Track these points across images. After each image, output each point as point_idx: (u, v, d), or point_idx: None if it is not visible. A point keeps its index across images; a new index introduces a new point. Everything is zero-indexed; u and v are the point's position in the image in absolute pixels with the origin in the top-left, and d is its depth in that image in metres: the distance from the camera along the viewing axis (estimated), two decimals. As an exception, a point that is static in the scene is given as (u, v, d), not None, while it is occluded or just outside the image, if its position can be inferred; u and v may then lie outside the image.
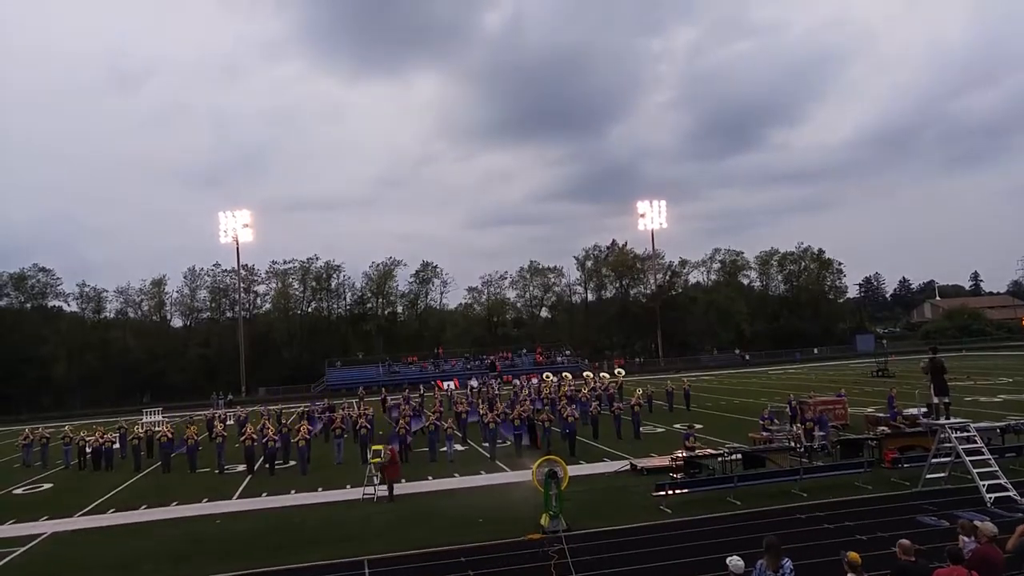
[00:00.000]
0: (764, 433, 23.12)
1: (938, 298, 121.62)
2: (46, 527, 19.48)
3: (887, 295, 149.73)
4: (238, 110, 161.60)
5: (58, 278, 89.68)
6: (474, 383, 51.41)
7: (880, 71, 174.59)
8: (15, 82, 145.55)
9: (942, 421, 17.14)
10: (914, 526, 13.99)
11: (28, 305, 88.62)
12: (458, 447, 27.26)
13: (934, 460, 17.24)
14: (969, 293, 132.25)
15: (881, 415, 25.29)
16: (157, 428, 33.10)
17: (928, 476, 17.17)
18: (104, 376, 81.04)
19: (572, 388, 39.45)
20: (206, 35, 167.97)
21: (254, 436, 26.84)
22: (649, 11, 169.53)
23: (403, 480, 21.79)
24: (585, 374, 50.49)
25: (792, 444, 20.48)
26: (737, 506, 16.79)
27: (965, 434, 16.71)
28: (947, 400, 17.76)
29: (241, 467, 26.70)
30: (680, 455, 19.75)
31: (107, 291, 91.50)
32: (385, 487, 20.10)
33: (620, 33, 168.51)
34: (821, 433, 21.94)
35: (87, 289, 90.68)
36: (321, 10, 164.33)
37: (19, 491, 25.97)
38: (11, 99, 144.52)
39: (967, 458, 16.09)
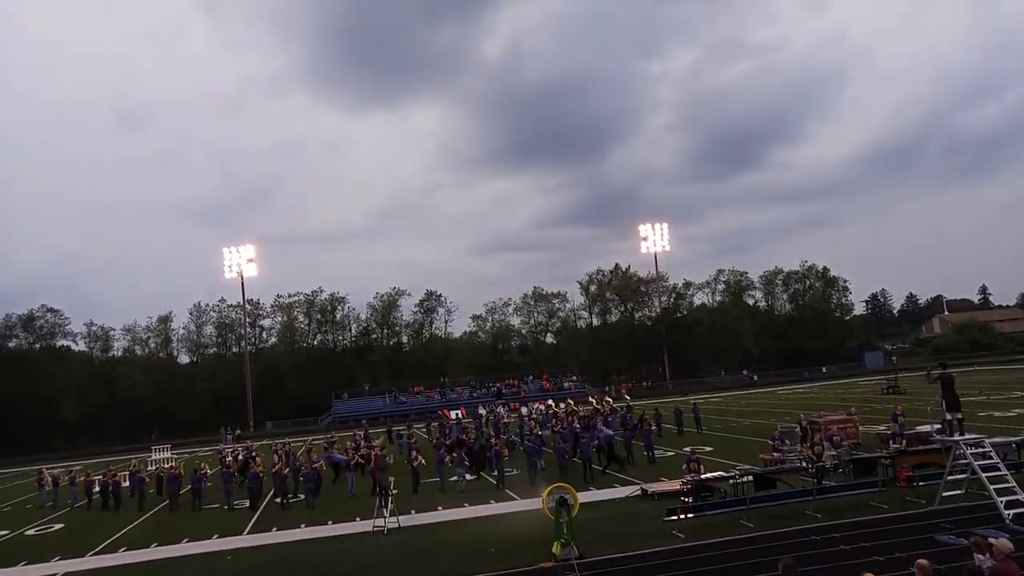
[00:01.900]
0: (775, 454, 22.91)
1: (946, 312, 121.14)
2: (58, 567, 19.41)
3: (894, 311, 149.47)
4: (241, 146, 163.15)
5: (66, 318, 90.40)
6: (482, 411, 51.15)
7: (879, 87, 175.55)
8: (22, 125, 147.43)
9: (956, 437, 16.98)
10: (932, 545, 13.79)
11: (37, 345, 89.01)
12: (468, 476, 27.05)
13: (950, 477, 17.05)
14: (978, 307, 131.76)
15: (891, 432, 25.06)
16: (167, 466, 33.03)
17: (944, 493, 16.96)
18: (112, 414, 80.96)
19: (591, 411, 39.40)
20: (208, 73, 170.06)
21: (262, 470, 26.79)
22: (647, 35, 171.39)
23: (412, 511, 21.69)
24: (590, 399, 50.22)
25: (804, 464, 20.29)
26: (750, 528, 16.60)
27: (980, 450, 16.53)
28: (960, 416, 17.60)
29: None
30: (690, 479, 19.55)
31: (114, 329, 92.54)
32: (395, 519, 19.98)
33: (618, 57, 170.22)
34: (832, 452, 21.73)
35: (95, 328, 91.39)
36: (321, 46, 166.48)
37: (31, 532, 25.95)
38: (18, 141, 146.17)
39: (983, 474, 15.90)
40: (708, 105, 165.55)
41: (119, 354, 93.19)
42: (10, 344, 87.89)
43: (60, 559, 20.38)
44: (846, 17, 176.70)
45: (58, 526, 26.73)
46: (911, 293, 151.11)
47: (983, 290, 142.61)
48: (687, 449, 23.48)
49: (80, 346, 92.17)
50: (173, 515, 26.33)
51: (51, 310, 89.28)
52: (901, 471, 19.67)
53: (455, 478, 26.09)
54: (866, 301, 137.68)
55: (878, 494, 18.10)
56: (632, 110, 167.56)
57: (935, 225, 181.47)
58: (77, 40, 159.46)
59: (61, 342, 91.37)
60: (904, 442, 21.72)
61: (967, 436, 17.08)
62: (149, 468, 31.45)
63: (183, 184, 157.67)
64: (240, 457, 33.79)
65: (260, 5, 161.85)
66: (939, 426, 20.76)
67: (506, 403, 57.93)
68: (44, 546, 22.63)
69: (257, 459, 29.59)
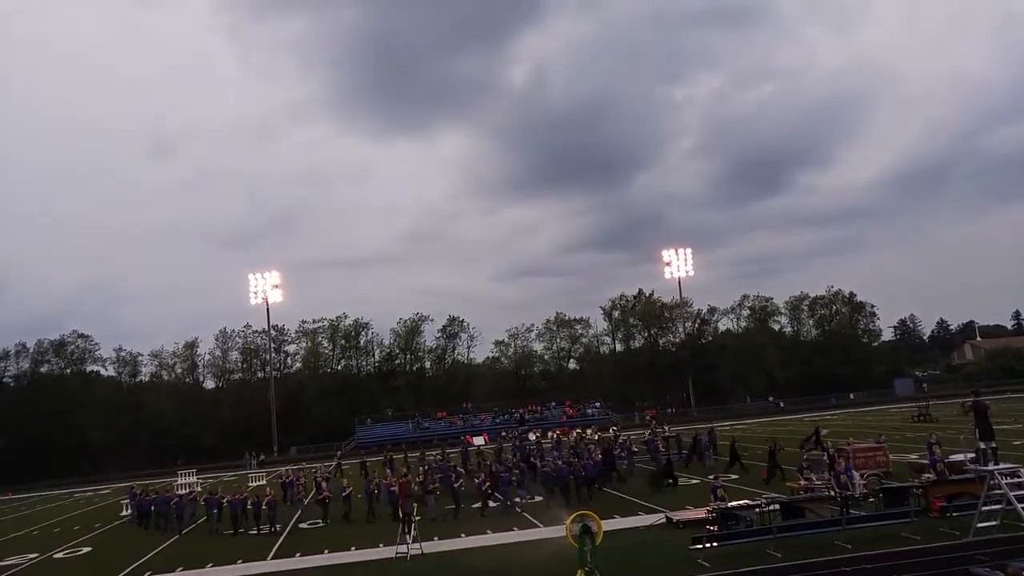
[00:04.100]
0: (803, 482, 22.53)
1: (979, 339, 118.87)
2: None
3: (924, 337, 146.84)
4: (268, 173, 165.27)
5: (96, 343, 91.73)
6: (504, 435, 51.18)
7: (906, 109, 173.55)
8: (56, 151, 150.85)
9: (991, 467, 16.61)
10: (966, 577, 13.46)
11: (68, 371, 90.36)
12: (492, 504, 26.90)
13: (984, 508, 16.65)
14: (1012, 333, 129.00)
15: (924, 462, 24.55)
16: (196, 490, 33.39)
17: (979, 525, 16.55)
18: (139, 439, 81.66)
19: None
20: (236, 102, 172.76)
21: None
22: (671, 61, 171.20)
23: (435, 538, 21.59)
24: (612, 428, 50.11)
25: (832, 493, 19.92)
26: (778, 558, 16.30)
27: (1016, 479, 16.17)
28: (994, 445, 17.24)
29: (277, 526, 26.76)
30: (716, 507, 19.26)
31: (142, 355, 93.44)
32: (418, 546, 19.89)
33: (642, 83, 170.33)
34: (860, 481, 21.31)
35: (123, 353, 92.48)
36: (347, 73, 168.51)
37: (59, 555, 26.19)
38: (51, 167, 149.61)
39: (1019, 505, 15.52)
40: (732, 129, 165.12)
41: (146, 379, 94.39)
42: (42, 369, 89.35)
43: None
44: (872, 39, 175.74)
45: (86, 549, 26.91)
46: (942, 319, 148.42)
47: (1016, 315, 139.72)
48: (711, 477, 23.18)
49: (109, 371, 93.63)
50: (197, 539, 26.37)
51: (81, 335, 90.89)
52: (934, 501, 19.23)
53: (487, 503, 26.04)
54: (894, 327, 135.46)
55: (910, 525, 17.71)
56: (656, 135, 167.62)
57: (965, 249, 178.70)
58: (112, 68, 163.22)
59: (91, 367, 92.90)
60: (934, 472, 21.19)
61: (1002, 466, 16.71)
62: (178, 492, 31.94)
63: (210, 211, 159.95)
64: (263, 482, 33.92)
65: (286, 34, 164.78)
66: (972, 455, 20.35)
67: (530, 429, 57.74)
68: (72, 570, 22.88)
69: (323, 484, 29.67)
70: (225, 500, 27.92)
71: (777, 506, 18.79)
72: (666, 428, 44.91)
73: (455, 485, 27.04)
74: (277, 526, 26.10)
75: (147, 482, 46.82)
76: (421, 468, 33.21)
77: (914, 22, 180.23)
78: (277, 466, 62.34)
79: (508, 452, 39.24)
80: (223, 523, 27.22)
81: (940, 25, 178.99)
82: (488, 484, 26.67)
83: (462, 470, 34.01)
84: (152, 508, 29.84)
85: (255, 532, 25.98)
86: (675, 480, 28.84)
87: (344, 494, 27.28)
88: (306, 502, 28.75)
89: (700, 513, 20.40)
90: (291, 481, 31.90)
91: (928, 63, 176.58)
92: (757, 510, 18.80)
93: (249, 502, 26.98)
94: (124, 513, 35.65)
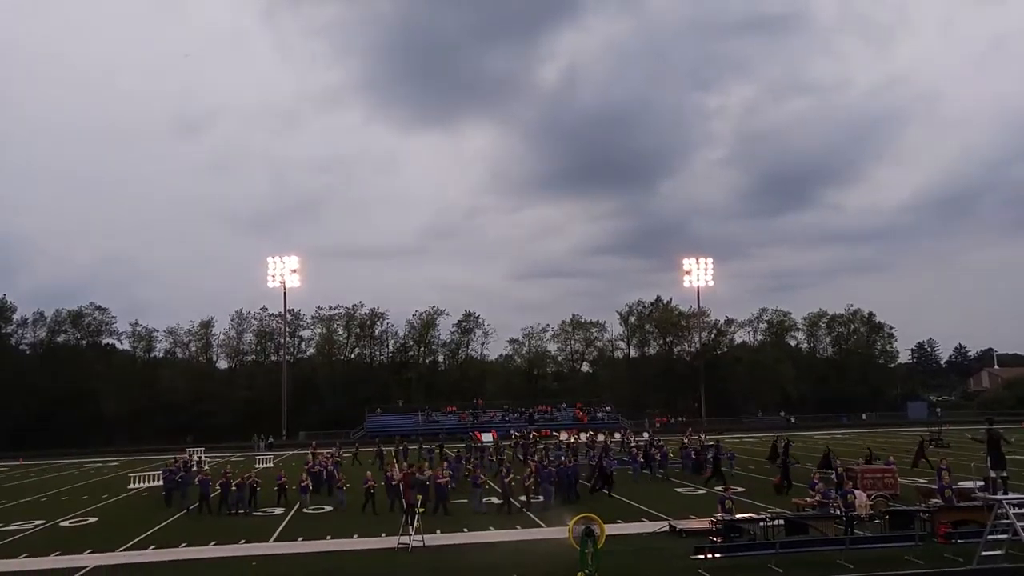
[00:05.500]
0: (808, 499, 22.40)
1: (996, 367, 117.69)
2: (89, 560, 19.68)
3: (941, 362, 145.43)
4: (294, 157, 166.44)
5: (113, 316, 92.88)
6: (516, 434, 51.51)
7: (942, 132, 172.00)
8: (84, 125, 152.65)
9: (999, 496, 16.47)
10: (967, 605, 13.36)
11: (84, 342, 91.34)
12: (495, 500, 26.96)
13: (990, 536, 16.51)
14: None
15: (932, 487, 24.37)
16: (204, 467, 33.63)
17: (984, 553, 16.41)
18: (151, 415, 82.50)
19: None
20: (267, 84, 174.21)
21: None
22: (705, 68, 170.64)
23: (438, 531, 21.71)
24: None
25: (837, 512, 19.82)
26: (779, 573, 16.25)
27: None
28: (1004, 474, 17.13)
29: (279, 510, 27.01)
30: (720, 518, 19.23)
31: (157, 331, 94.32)
32: (420, 538, 19.99)
33: (675, 89, 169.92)
34: (868, 502, 21.18)
35: (139, 328, 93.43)
36: (379, 61, 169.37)
37: (66, 523, 26.48)
38: (78, 140, 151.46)
39: (1025, 535, 15.39)
40: (762, 141, 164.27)
41: (160, 355, 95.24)
42: (58, 339, 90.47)
43: (92, 552, 20.73)
44: (914, 56, 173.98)
45: (92, 519, 27.27)
46: (960, 344, 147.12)
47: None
48: (719, 488, 23.11)
49: (124, 345, 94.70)
50: (204, 517, 26.55)
51: (99, 308, 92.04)
52: (940, 527, 19.09)
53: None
54: (912, 350, 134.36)
55: (914, 549, 17.60)
56: (685, 143, 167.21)
57: (989, 277, 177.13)
58: (141, 43, 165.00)
59: (107, 340, 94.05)
60: (942, 498, 21.01)
61: (1011, 495, 16.56)
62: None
63: (233, 192, 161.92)
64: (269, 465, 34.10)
65: (320, 19, 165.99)
66: (981, 483, 20.19)
67: (538, 430, 57.92)
68: (78, 538, 23.10)
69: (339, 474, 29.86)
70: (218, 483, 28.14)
71: (781, 521, 18.74)
72: (702, 436, 45.26)
73: (506, 480, 26.67)
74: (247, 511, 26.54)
75: (163, 457, 47.18)
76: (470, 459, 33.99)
77: (955, 41, 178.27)
78: (285, 450, 62.88)
79: (519, 452, 39.36)
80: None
81: (983, 46, 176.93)
82: (532, 480, 26.64)
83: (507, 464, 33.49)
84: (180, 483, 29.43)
85: (232, 513, 26.27)
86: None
87: (365, 486, 26.66)
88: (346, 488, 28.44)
89: (703, 523, 20.37)
90: (322, 471, 31.55)
91: (967, 85, 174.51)
92: (761, 524, 18.73)
93: (233, 484, 27.09)
94: (132, 486, 36.14)
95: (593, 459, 33.21)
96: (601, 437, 46.71)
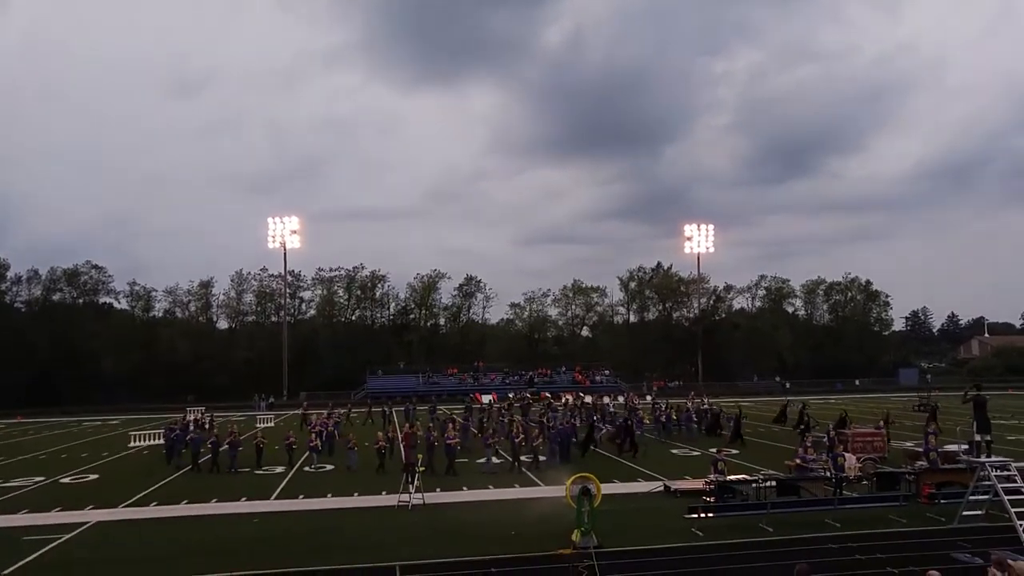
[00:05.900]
0: (797, 460, 22.93)
1: (987, 335, 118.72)
2: (91, 516, 20.14)
3: (934, 330, 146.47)
4: (294, 118, 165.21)
5: (110, 275, 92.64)
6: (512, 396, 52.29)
7: (947, 101, 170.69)
8: (81, 85, 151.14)
9: (982, 459, 16.95)
10: (947, 562, 13.86)
11: (80, 300, 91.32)
12: (495, 460, 27.54)
13: (972, 497, 17.04)
14: (1020, 331, 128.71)
15: (919, 450, 24.94)
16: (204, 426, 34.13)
17: (965, 513, 16.97)
18: (150, 374, 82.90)
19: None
20: (266, 43, 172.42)
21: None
22: (713, 33, 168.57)
23: (438, 490, 22.24)
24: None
25: (827, 473, 20.36)
26: (769, 533, 16.80)
27: (1005, 473, 16.50)
28: (988, 438, 17.59)
29: (279, 468, 27.51)
30: (714, 479, 19.75)
31: (156, 291, 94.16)
32: (420, 496, 20.50)
33: (681, 53, 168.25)
34: (857, 464, 21.71)
35: (137, 288, 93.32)
36: (381, 20, 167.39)
37: (66, 480, 26.93)
38: (76, 101, 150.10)
39: (1006, 497, 15.88)
40: (768, 108, 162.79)
41: (159, 315, 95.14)
42: (54, 297, 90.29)
43: (93, 508, 21.18)
44: (922, 25, 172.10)
45: (93, 476, 27.73)
46: (952, 313, 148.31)
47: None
48: (713, 450, 23.63)
49: (122, 304, 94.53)
50: (204, 474, 27.11)
51: (96, 267, 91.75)
52: (924, 488, 19.66)
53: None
54: (906, 318, 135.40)
55: (899, 509, 18.16)
56: (690, 108, 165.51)
57: (985, 246, 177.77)
58: (141, 1, 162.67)
59: (104, 299, 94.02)
60: (927, 460, 21.52)
61: (994, 458, 17.04)
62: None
63: (233, 152, 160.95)
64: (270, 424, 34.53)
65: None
66: (966, 446, 20.70)
67: (536, 392, 58.65)
68: (79, 494, 23.49)
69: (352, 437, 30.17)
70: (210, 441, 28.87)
71: (773, 483, 19.25)
72: (705, 400, 46.10)
73: (516, 440, 27.30)
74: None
75: (164, 417, 47.68)
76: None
77: (965, 9, 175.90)
78: (286, 410, 63.53)
79: (517, 413, 39.93)
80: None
81: (998, 14, 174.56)
82: (539, 440, 27.24)
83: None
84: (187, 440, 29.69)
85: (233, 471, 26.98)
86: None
87: (377, 445, 27.19)
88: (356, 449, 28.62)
89: (698, 484, 20.92)
90: (323, 429, 31.81)
91: (974, 54, 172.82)
92: (754, 485, 19.24)
93: (225, 442, 27.74)
94: (132, 444, 36.58)
95: (617, 422, 33.95)
96: (589, 399, 47.49)
